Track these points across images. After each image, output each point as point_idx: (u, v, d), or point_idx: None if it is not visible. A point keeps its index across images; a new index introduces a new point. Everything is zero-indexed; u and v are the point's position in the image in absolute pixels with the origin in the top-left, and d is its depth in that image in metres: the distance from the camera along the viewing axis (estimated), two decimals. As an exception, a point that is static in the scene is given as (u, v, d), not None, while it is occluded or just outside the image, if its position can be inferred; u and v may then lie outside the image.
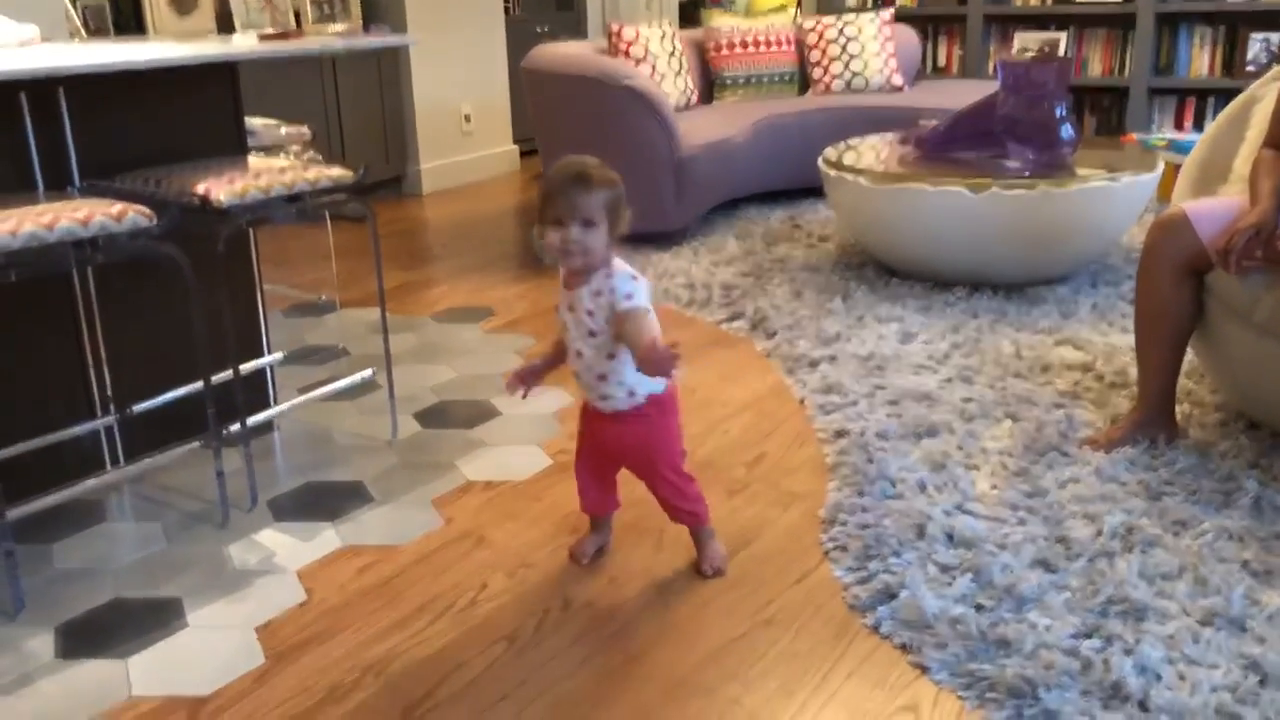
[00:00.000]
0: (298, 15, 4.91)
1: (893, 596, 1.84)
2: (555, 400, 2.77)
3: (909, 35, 5.22)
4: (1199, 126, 5.30)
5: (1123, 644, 1.65)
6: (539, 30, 6.28)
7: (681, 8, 7.39)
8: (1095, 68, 5.55)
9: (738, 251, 4.02)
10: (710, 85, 5.00)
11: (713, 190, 4.29)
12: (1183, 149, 4.29)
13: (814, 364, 2.90)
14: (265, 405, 2.67)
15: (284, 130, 3.18)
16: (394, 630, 1.83)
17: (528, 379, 1.95)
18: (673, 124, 4.00)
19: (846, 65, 4.93)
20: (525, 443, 2.55)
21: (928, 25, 6.06)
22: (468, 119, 5.75)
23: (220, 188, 2.15)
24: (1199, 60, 5.28)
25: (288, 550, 2.10)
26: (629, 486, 1.99)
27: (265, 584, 1.99)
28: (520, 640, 1.79)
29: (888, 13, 5.07)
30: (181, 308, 2.45)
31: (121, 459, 2.41)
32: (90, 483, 2.27)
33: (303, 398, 2.69)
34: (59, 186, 2.25)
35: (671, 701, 1.63)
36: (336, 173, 2.35)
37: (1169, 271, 2.23)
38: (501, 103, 5.97)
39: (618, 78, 3.96)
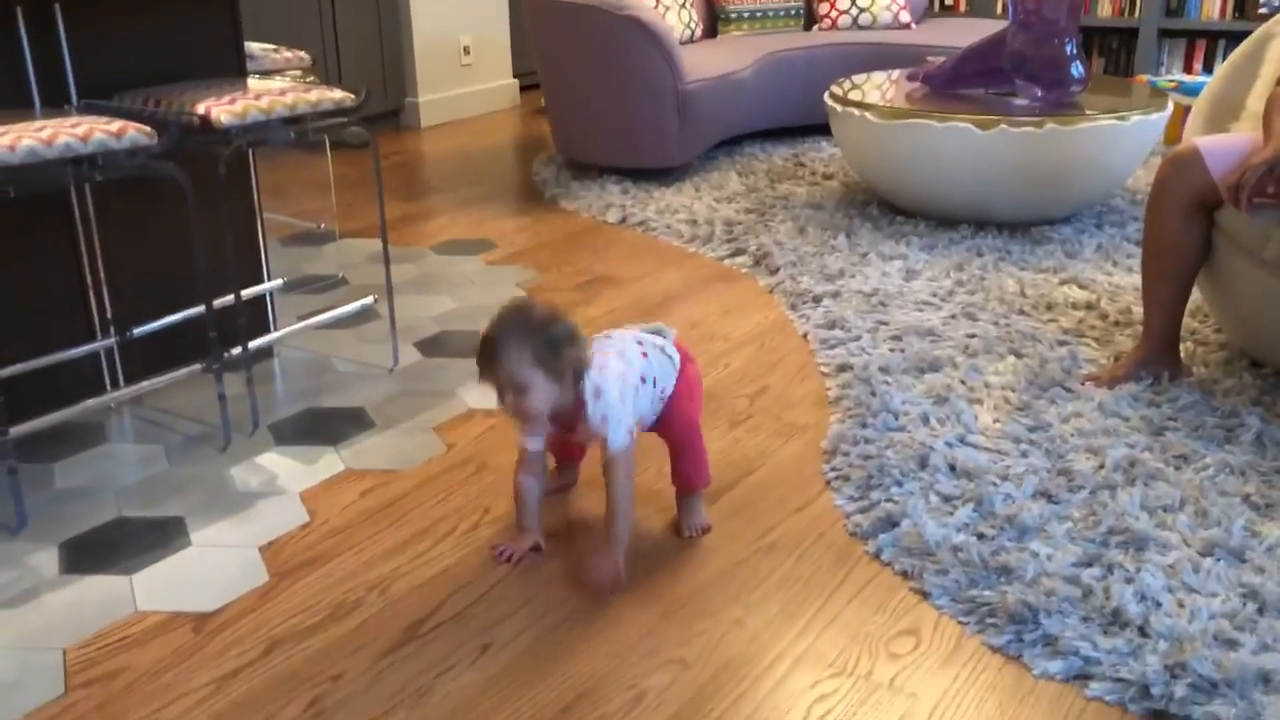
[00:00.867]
0: (296, -59, 4.81)
1: (894, 525, 1.84)
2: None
3: (917, -28, 5.14)
4: (1209, 69, 5.24)
5: (1123, 572, 1.66)
6: (541, -38, 6.15)
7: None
8: (1105, 8, 5.47)
9: (740, 188, 3.99)
10: (714, 19, 4.93)
11: (716, 126, 4.24)
12: (1192, 90, 4.24)
13: (817, 300, 2.89)
14: (265, 331, 2.66)
15: (283, 55, 3.13)
16: (397, 551, 1.83)
17: (525, 549, 1.80)
18: (676, 55, 3.94)
19: (854, 1, 4.86)
20: (527, 372, 2.54)
21: (936, -37, 5.96)
22: (467, 51, 5.67)
23: (221, 108, 2.12)
24: (1211, 2, 5.21)
25: (290, 473, 2.10)
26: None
27: (268, 505, 1.99)
28: (523, 563, 1.79)
29: (896, -52, 4.98)
30: (181, 231, 2.42)
31: (121, 382, 2.40)
32: (90, 404, 2.26)
33: (304, 323, 2.68)
34: (56, 104, 2.22)
35: (674, 622, 1.64)
36: (338, 95, 2.31)
37: (1179, 207, 2.22)
38: (501, 35, 5.88)
39: (619, 7, 3.90)
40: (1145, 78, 4.70)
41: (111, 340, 2.37)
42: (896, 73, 3.96)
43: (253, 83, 2.40)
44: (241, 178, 2.58)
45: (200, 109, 2.10)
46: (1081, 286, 2.91)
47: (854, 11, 4.87)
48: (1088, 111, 3.27)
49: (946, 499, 1.90)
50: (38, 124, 1.88)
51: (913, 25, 4.94)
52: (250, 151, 2.56)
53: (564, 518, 1.93)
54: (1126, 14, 5.44)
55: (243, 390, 2.32)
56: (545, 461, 1.83)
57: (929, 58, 3.88)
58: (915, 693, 1.49)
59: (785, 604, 1.69)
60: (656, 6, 4.46)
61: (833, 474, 2.05)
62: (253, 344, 2.38)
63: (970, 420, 2.16)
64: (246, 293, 2.56)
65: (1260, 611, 1.57)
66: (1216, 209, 2.21)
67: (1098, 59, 5.56)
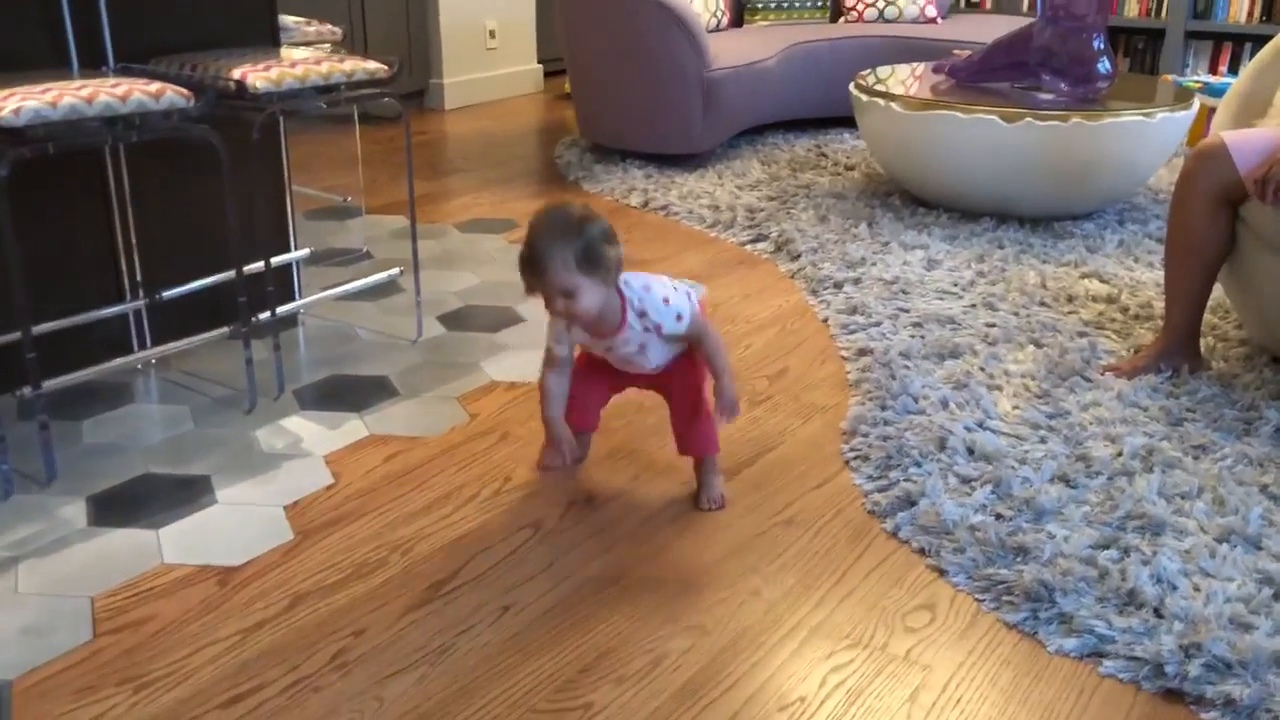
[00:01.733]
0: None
1: (912, 504, 1.86)
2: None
3: (945, -33, 5.13)
4: (1234, 71, 5.22)
5: (1140, 555, 1.67)
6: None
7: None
8: (1132, 8, 5.46)
9: (763, 176, 4.00)
10: (740, 8, 4.94)
11: (740, 114, 4.25)
12: (1217, 92, 4.23)
13: (838, 285, 2.90)
14: (290, 300, 2.68)
15: (314, 28, 3.16)
16: (420, 514, 1.86)
17: (566, 458, 1.87)
18: (703, 42, 3.95)
19: (880, -6, 4.86)
20: (549, 347, 2.56)
21: (963, -41, 5.95)
22: (492, 35, 5.69)
23: (257, 74, 2.14)
24: (1238, 4, 5.19)
25: (315, 436, 2.13)
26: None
27: (293, 467, 2.01)
28: (544, 528, 1.82)
29: (925, -58, 4.97)
30: (210, 197, 2.45)
31: (149, 343, 2.43)
32: (119, 363, 2.28)
33: (331, 291, 2.70)
34: (94, 66, 2.24)
35: (692, 591, 1.66)
36: (372, 66, 2.33)
37: (1204, 200, 2.22)
38: (527, 20, 5.89)
39: (650, -7, 3.91)
40: (1170, 78, 4.69)
41: (140, 302, 2.40)
42: (921, 65, 3.97)
43: (287, 51, 2.42)
44: (272, 146, 2.60)
45: (236, 74, 2.13)
46: (1103, 280, 2.91)
47: (880, 4, 4.87)
48: (1113, 107, 3.27)
49: (965, 480, 1.91)
50: (78, 82, 1.90)
51: (939, 20, 4.94)
52: (281, 121, 2.58)
53: (582, 489, 1.95)
54: (1154, 15, 5.43)
55: (268, 355, 2.35)
56: (571, 362, 1.84)
57: (955, 51, 3.88)
58: (930, 665, 1.51)
59: (802, 576, 1.70)
60: (684, -7, 4.46)
61: (851, 454, 2.06)
62: (280, 310, 2.41)
63: (989, 406, 2.17)
64: (274, 261, 2.59)
65: (1276, 597, 1.58)
66: (1242, 203, 2.22)
67: (1123, 59, 5.55)
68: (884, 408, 2.19)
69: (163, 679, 1.46)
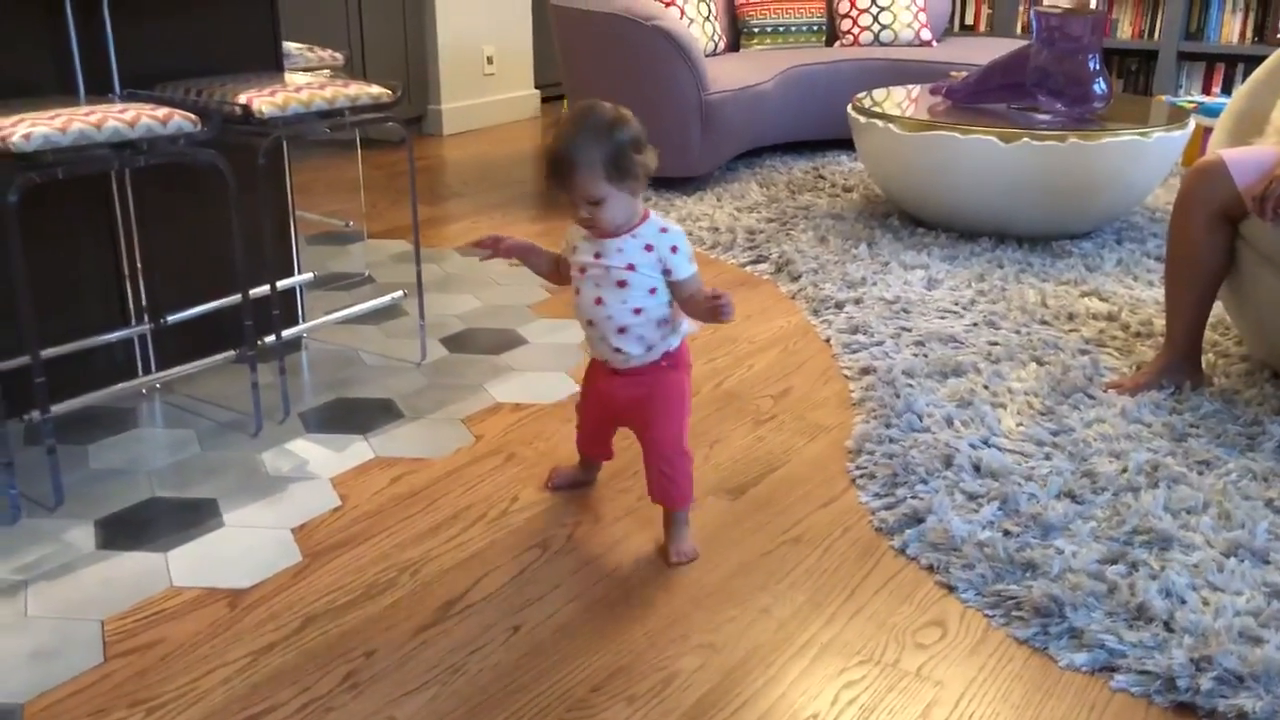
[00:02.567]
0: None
1: (920, 520, 1.86)
2: (581, 332, 2.79)
3: (939, -10, 5.18)
4: (1227, 92, 5.27)
5: (1148, 570, 1.68)
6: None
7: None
8: (1125, 30, 5.51)
9: (761, 198, 4.03)
10: (737, 33, 4.98)
11: (738, 137, 4.28)
12: (1212, 111, 4.27)
13: (839, 305, 2.91)
14: (295, 324, 2.69)
15: (317, 54, 3.18)
16: (428, 535, 1.86)
17: (501, 246, 1.83)
18: (701, 66, 3.99)
19: (875, 18, 4.90)
20: (552, 369, 2.57)
21: (956, -17, 6.00)
22: (490, 61, 5.72)
23: (262, 99, 2.16)
24: (1230, 25, 5.25)
25: (320, 459, 2.13)
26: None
27: (299, 489, 2.02)
28: (552, 548, 1.82)
29: (919, -34, 5.02)
30: (214, 222, 2.46)
31: (154, 367, 2.43)
32: (125, 387, 2.29)
33: (336, 314, 2.71)
34: (100, 92, 2.26)
35: (701, 610, 1.66)
36: (375, 90, 2.35)
37: (1203, 217, 2.24)
38: (524, 46, 5.93)
39: (648, 17, 3.95)
40: (1165, 98, 4.73)
41: (145, 326, 2.41)
42: (918, 87, 4.00)
43: (291, 77, 2.44)
44: (276, 171, 2.61)
45: (242, 99, 2.14)
46: (1102, 299, 2.93)
47: (875, 28, 4.91)
48: (1110, 127, 3.29)
49: (971, 497, 1.92)
50: (86, 108, 1.92)
51: (934, 43, 4.98)
52: (284, 145, 2.60)
53: (590, 510, 1.95)
54: (1146, 36, 5.48)
55: (272, 379, 2.35)
56: (557, 263, 1.83)
57: (952, 73, 3.92)
58: (942, 681, 1.51)
59: (812, 594, 1.70)
60: (682, 18, 4.50)
61: (857, 472, 2.07)
62: (285, 333, 2.41)
63: (994, 423, 2.17)
64: (279, 285, 2.59)
65: (1284, 610, 1.59)
66: (1241, 220, 2.23)
67: (1117, 80, 5.59)
68: (888, 425, 2.20)
69: (175, 701, 1.46)
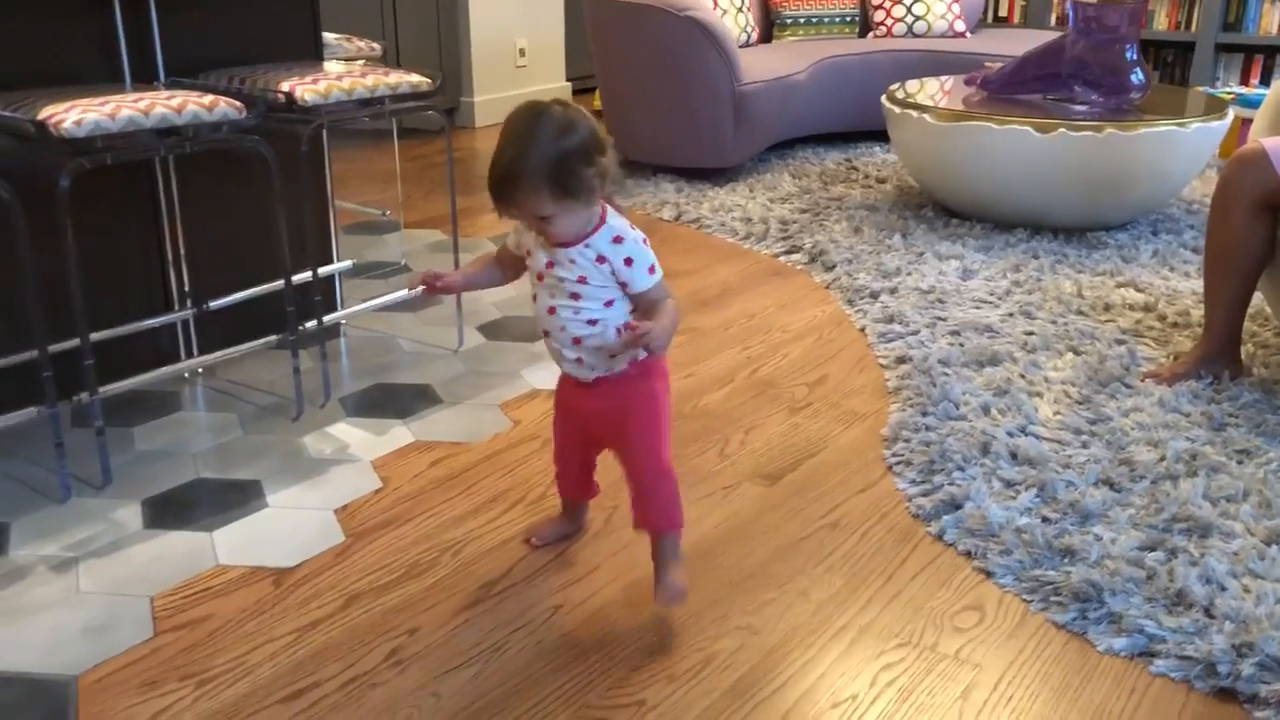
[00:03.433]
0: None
1: (957, 507, 1.87)
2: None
3: (972, -18, 5.16)
4: (1265, 83, 5.21)
5: (1187, 556, 1.67)
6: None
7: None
8: (1161, 21, 5.46)
9: (794, 189, 4.03)
10: (770, 24, 4.97)
11: (771, 128, 4.28)
12: (1250, 103, 4.23)
13: (874, 295, 2.91)
14: (334, 311, 2.72)
15: (355, 44, 3.21)
16: (468, 517, 1.88)
17: (437, 283, 1.63)
18: (734, 56, 3.99)
19: (909, 9, 4.89)
20: (588, 356, 2.58)
21: (990, -26, 5.97)
22: (522, 53, 5.74)
23: (305, 87, 2.18)
24: (1270, 16, 5.19)
25: (361, 443, 2.16)
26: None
27: (341, 472, 2.04)
28: (592, 531, 1.83)
29: (953, -43, 5.00)
30: (255, 209, 2.49)
31: (196, 353, 2.47)
32: (168, 370, 2.32)
33: (375, 300, 2.73)
34: (145, 80, 2.29)
35: (741, 592, 1.68)
36: (416, 79, 2.37)
37: (1244, 206, 2.23)
38: (556, 39, 5.95)
39: (681, 8, 3.95)
40: (1202, 90, 4.69)
41: (188, 312, 2.44)
42: (951, 78, 3.99)
43: (331, 65, 2.46)
44: (316, 159, 2.64)
45: (285, 87, 2.17)
46: (1139, 289, 2.92)
47: (909, 20, 4.89)
48: (1147, 118, 3.27)
49: (1009, 484, 1.92)
50: (134, 95, 1.95)
51: (967, 34, 4.96)
52: (324, 134, 2.63)
53: (628, 495, 1.97)
54: (1183, 27, 5.43)
55: (311, 365, 2.38)
56: (512, 263, 1.65)
57: (986, 64, 3.90)
58: (980, 664, 1.51)
59: (849, 578, 1.71)
60: (715, 9, 4.50)
61: (894, 459, 2.07)
62: (326, 319, 2.44)
63: (1031, 411, 2.17)
64: (320, 271, 2.62)
65: (1326, 598, 1.58)
66: (1282, 209, 2.22)
67: (1153, 72, 5.55)
68: (925, 413, 2.20)
69: (223, 675, 1.49)
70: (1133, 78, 3.39)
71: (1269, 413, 2.17)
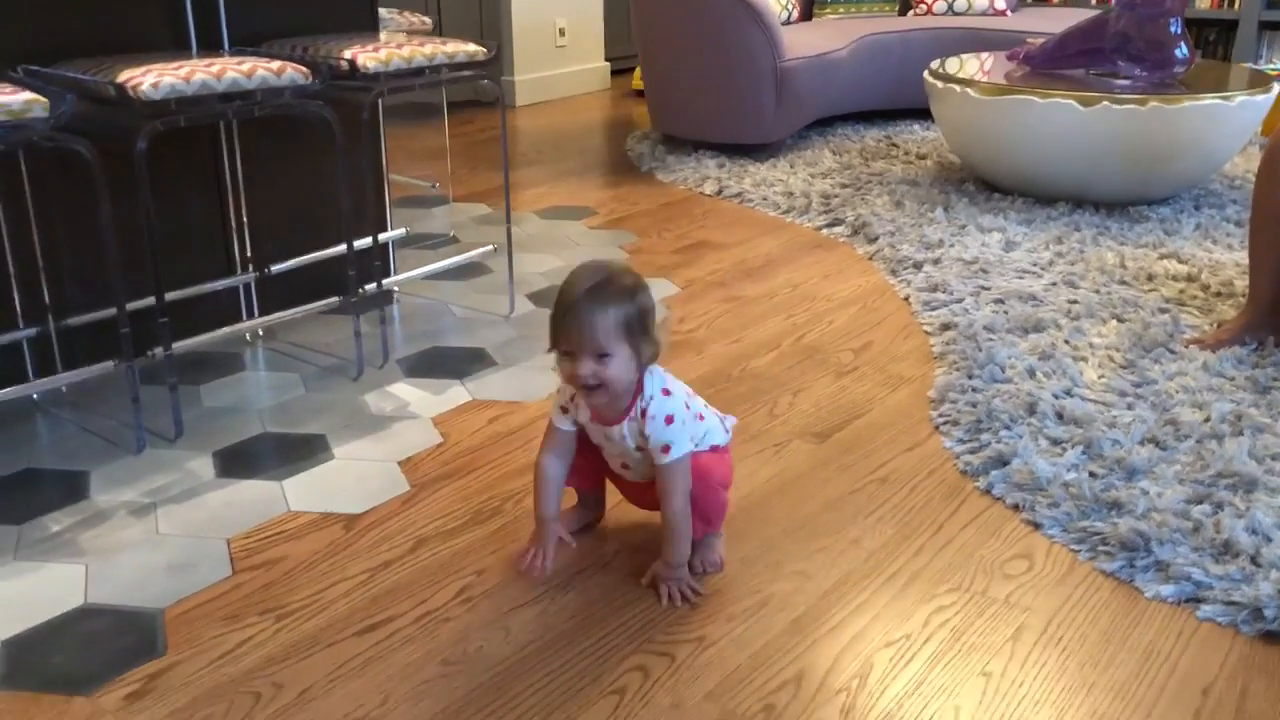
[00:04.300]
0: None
1: (1005, 463, 1.91)
2: (663, 289, 2.86)
3: (1013, -40, 5.15)
4: (1309, 62, 5.18)
5: (1233, 509, 1.71)
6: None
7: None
8: (1204, 0, 5.44)
9: (835, 165, 4.06)
10: (811, 2, 4.99)
11: (812, 104, 4.31)
12: (1294, 79, 4.21)
13: (918, 266, 2.95)
14: (388, 276, 2.79)
15: (407, 18, 3.27)
16: (528, 469, 1.93)
17: (551, 555, 1.62)
18: (776, 32, 4.02)
19: (949, -13, 4.89)
20: (637, 322, 2.64)
21: (1030, -46, 5.95)
22: (562, 33, 5.80)
23: (366, 54, 2.24)
24: (1313, -6, 5.15)
25: (420, 401, 2.22)
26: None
27: (403, 427, 2.11)
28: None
29: (994, -65, 5.00)
30: (314, 177, 2.56)
31: (256, 315, 2.54)
32: (232, 330, 2.40)
33: (430, 267, 2.80)
34: (211, 49, 2.36)
35: (794, 540, 1.73)
36: (472, 48, 2.43)
37: (1291, 173, 2.25)
38: (595, 18, 5.99)
39: (724, -14, 3.98)
40: (1246, 67, 4.67)
41: (250, 276, 2.51)
42: (991, 55, 4.00)
43: (387, 36, 2.52)
44: (372, 128, 2.71)
45: (348, 54, 2.23)
46: (1181, 261, 2.93)
47: (949, -3, 4.90)
48: (1191, 91, 3.28)
49: (1055, 442, 1.96)
50: (206, 60, 2.01)
51: (1008, 12, 4.96)
52: (380, 103, 2.69)
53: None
54: (1226, 5, 5.40)
55: (368, 329, 2.45)
56: (573, 444, 1.64)
57: (1029, 40, 3.91)
58: (1030, 608, 1.56)
59: (900, 528, 1.76)
60: (755, -13, 4.53)
61: (941, 419, 2.12)
62: (385, 282, 2.51)
63: (1076, 375, 2.21)
64: (370, 239, 2.69)
65: (1371, 549, 1.62)
66: (1329, 176, 2.24)
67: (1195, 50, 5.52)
68: (970, 376, 2.24)
69: (301, 610, 1.55)
70: (1177, 52, 3.39)
71: (1313, 377, 2.19)
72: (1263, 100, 3.33)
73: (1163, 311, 2.56)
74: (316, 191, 2.59)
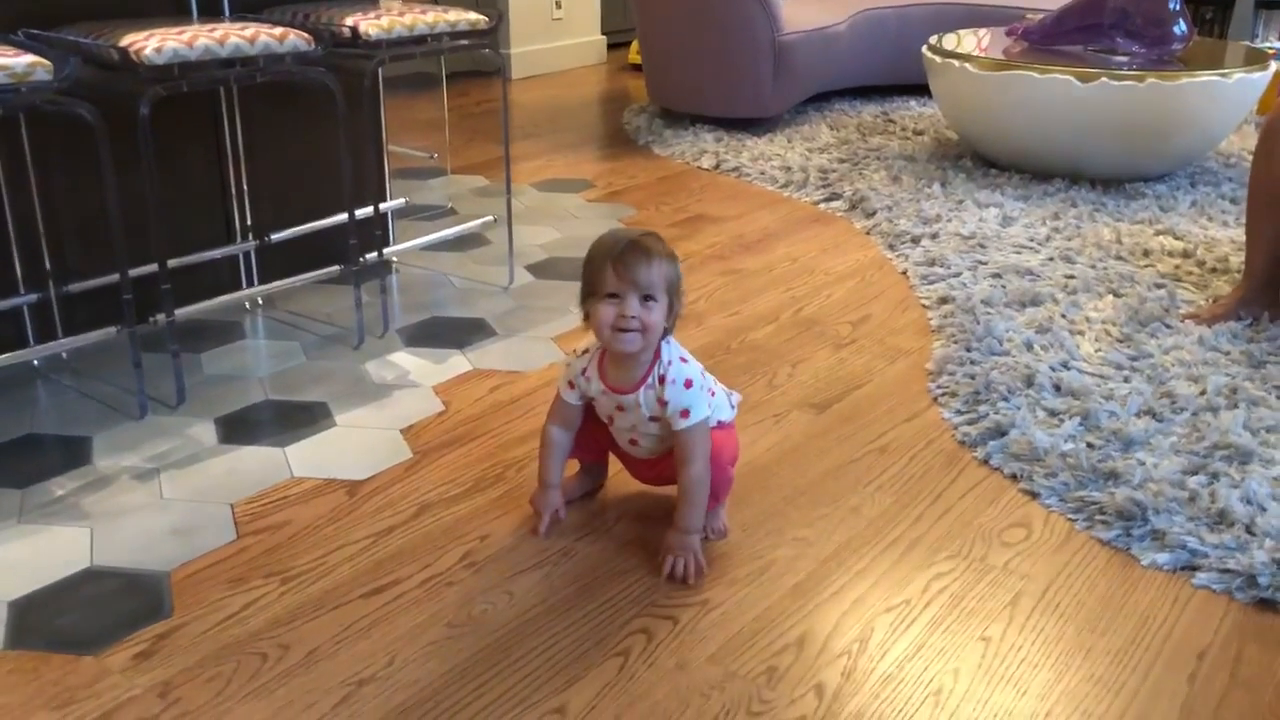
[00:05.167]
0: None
1: (1003, 434, 1.93)
2: (662, 259, 2.87)
3: (1012, -64, 5.14)
4: (1305, 41, 5.19)
5: (1229, 480, 1.73)
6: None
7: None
8: (1200, -21, 5.44)
9: (832, 140, 4.06)
10: (808, -23, 4.97)
11: (809, 79, 4.31)
12: (1290, 58, 4.22)
13: (915, 240, 2.96)
14: (387, 246, 2.79)
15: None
16: (529, 437, 1.95)
17: (560, 514, 1.67)
18: (775, 6, 4.01)
19: (947, -37, 4.87)
20: (636, 294, 2.65)
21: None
22: (558, 5, 5.77)
23: (368, 22, 2.24)
24: (1310, -27, 5.16)
25: (421, 370, 2.23)
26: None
27: (404, 395, 2.12)
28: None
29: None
30: (315, 145, 2.55)
31: (256, 283, 2.54)
32: (232, 298, 2.40)
33: (430, 236, 2.81)
34: (211, 14, 2.35)
35: (794, 507, 1.74)
36: (474, 17, 2.42)
37: (1289, 149, 2.26)
38: (592, -9, 5.97)
39: (723, -42, 3.97)
40: (1245, 43, 4.68)
41: (250, 244, 2.51)
42: (988, 31, 4.00)
43: (388, 3, 2.51)
44: (372, 97, 2.70)
45: (350, 21, 2.23)
46: (1177, 237, 2.95)
47: (948, -27, 4.88)
48: (1189, 68, 3.29)
49: (1053, 413, 1.98)
50: (208, 25, 2.01)
51: (1006, -12, 4.94)
52: (380, 72, 2.68)
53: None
54: (1223, -16, 5.40)
55: (368, 298, 2.45)
56: (579, 417, 1.66)
57: (1027, 16, 3.91)
58: (1028, 575, 1.58)
59: (899, 496, 1.78)
60: (753, -39, 4.51)
61: (939, 391, 2.13)
62: (385, 252, 2.51)
63: (1073, 348, 2.22)
64: (371, 208, 2.69)
65: (1364, 518, 1.64)
66: (1326, 152, 2.25)
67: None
68: (969, 349, 2.25)
69: (306, 573, 1.57)
70: (1175, 29, 3.40)
71: (1308, 352, 2.21)
72: (1259, 78, 3.34)
73: (1159, 287, 2.58)
74: (317, 160, 2.58)
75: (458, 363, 2.27)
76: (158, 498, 1.76)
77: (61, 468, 1.84)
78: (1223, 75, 3.24)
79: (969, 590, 1.54)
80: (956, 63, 3.47)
